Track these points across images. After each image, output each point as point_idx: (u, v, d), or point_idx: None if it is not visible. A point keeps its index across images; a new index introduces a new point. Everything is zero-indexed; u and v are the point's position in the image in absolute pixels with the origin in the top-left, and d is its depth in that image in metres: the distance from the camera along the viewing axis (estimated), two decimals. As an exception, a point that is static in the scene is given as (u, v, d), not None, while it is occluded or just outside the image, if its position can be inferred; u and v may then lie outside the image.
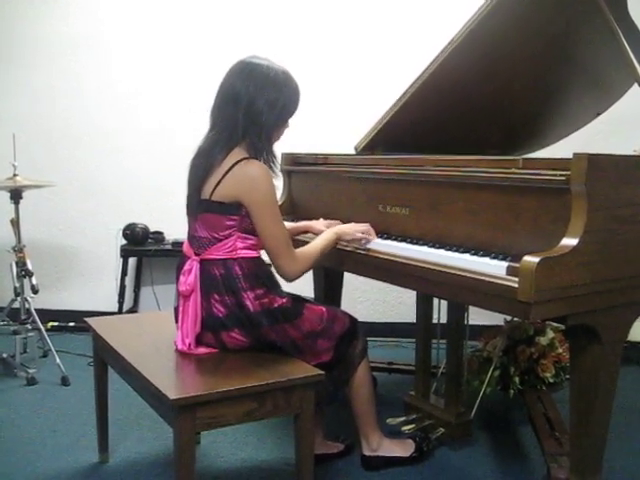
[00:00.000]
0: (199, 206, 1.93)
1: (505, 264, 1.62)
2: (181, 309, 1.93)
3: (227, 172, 1.86)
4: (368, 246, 2.08)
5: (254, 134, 1.90)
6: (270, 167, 1.94)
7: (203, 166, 1.91)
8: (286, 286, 2.02)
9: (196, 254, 1.93)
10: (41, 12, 3.82)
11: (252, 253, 1.93)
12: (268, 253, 1.95)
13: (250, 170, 1.87)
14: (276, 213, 1.92)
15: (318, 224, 2.30)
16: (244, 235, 1.90)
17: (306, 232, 2.32)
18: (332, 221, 2.30)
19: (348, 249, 2.12)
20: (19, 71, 3.87)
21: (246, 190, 1.86)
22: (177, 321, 1.97)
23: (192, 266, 1.91)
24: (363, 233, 2.10)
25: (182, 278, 1.93)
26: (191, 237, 1.99)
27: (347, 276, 2.79)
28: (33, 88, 3.87)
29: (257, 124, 1.90)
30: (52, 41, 3.84)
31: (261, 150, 1.92)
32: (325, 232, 2.14)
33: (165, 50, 3.83)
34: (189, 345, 1.91)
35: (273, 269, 1.99)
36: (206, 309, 1.89)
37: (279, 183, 2.09)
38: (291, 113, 1.99)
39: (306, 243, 2.09)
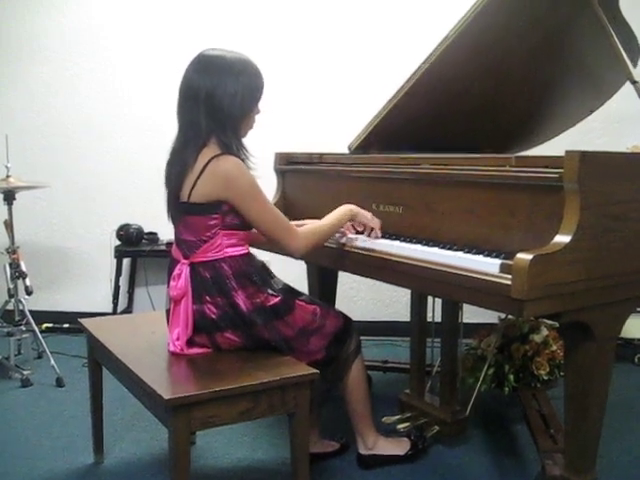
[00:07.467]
0: (179, 209, 1.91)
1: (498, 261, 1.63)
2: (172, 313, 1.92)
3: (201, 172, 1.83)
4: (361, 245, 2.07)
5: (219, 130, 1.86)
6: (243, 161, 1.88)
7: (177, 168, 1.88)
8: (281, 277, 2.01)
9: (185, 257, 1.92)
10: (36, 11, 3.81)
11: (240, 250, 1.91)
12: (269, 239, 1.93)
13: (223, 167, 1.83)
14: (262, 199, 1.88)
15: None
16: (228, 232, 1.88)
17: None
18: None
19: (346, 249, 2.11)
20: (12, 71, 3.86)
21: (224, 187, 1.83)
22: (169, 324, 1.96)
23: (182, 270, 1.90)
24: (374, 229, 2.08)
25: (172, 283, 1.91)
26: (178, 240, 1.97)
27: (341, 275, 2.79)
28: (26, 89, 3.86)
29: (220, 120, 1.85)
30: (46, 41, 3.83)
31: (230, 145, 1.87)
32: (341, 207, 2.07)
33: (160, 50, 3.82)
34: (181, 348, 1.90)
35: (264, 264, 1.99)
36: (199, 311, 1.88)
37: (258, 173, 1.99)
38: (256, 100, 1.93)
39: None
